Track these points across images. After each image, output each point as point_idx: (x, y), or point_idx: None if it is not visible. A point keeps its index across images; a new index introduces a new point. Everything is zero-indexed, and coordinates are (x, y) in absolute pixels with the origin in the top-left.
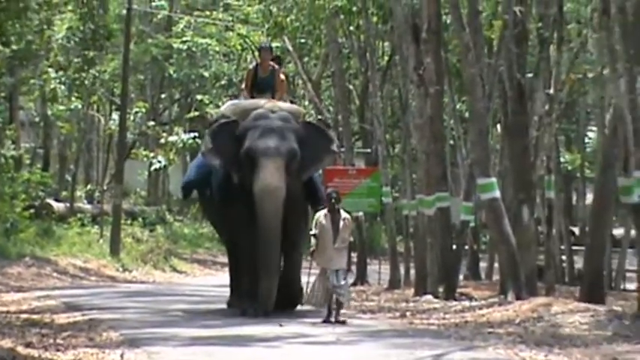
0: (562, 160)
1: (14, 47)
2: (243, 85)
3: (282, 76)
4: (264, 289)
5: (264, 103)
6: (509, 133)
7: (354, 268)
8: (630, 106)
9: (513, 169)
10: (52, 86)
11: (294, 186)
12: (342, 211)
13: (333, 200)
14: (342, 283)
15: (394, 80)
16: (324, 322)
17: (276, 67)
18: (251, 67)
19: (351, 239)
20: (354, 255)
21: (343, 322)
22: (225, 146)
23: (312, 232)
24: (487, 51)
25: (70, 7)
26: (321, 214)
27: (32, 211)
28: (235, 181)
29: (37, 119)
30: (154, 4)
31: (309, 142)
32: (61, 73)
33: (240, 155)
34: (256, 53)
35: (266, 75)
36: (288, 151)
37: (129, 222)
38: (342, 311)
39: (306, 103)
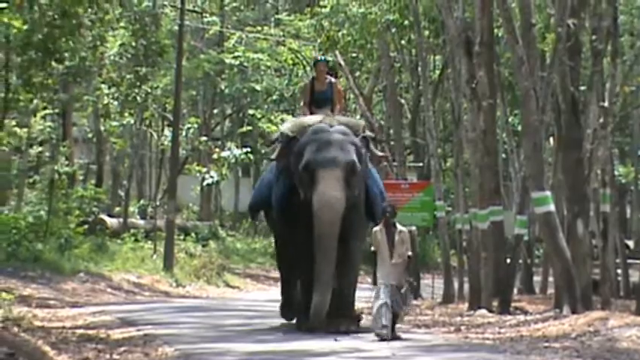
0: (616, 173)
1: (68, 64)
2: (301, 102)
3: (340, 88)
4: (316, 303)
5: (322, 117)
6: (562, 146)
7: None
8: None
9: (567, 183)
10: (104, 102)
11: (354, 199)
12: (397, 225)
13: (387, 214)
14: (399, 298)
15: (446, 94)
16: (381, 339)
17: (333, 80)
18: (307, 81)
19: (410, 253)
20: None
21: (398, 338)
22: (288, 164)
23: (372, 249)
24: (540, 64)
25: (122, 24)
26: (377, 229)
27: (86, 226)
28: (302, 197)
29: (90, 135)
30: (205, 19)
31: (366, 156)
32: (113, 89)
33: (300, 170)
34: (307, 67)
35: (324, 88)
36: (346, 162)
37: (182, 237)
38: (397, 326)
39: (358, 117)
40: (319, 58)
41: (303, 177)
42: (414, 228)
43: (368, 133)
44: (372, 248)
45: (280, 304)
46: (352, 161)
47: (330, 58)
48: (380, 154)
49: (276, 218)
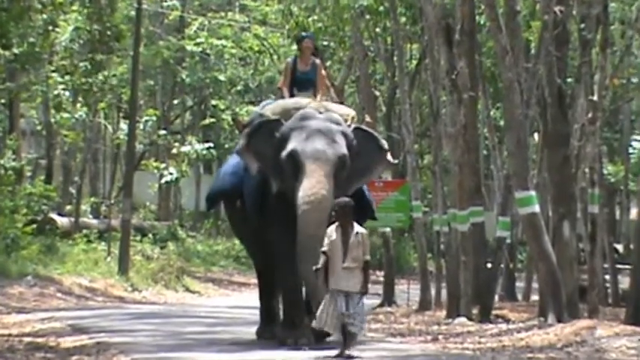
0: (605, 171)
1: (16, 50)
2: (280, 82)
3: (324, 72)
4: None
5: (308, 101)
6: (548, 142)
7: (378, 289)
8: None
9: (553, 182)
10: (55, 92)
11: (340, 197)
12: (355, 225)
13: (344, 211)
14: (353, 310)
15: (424, 86)
16: (338, 356)
17: (318, 61)
18: (289, 60)
19: (368, 258)
20: (379, 274)
21: (352, 358)
22: (264, 148)
23: (322, 249)
24: (525, 54)
25: (75, 7)
26: (332, 228)
27: (34, 226)
28: (275, 189)
29: (39, 128)
30: (165, 4)
31: (359, 150)
32: (66, 77)
33: (282, 159)
34: (274, 56)
35: (307, 69)
36: (337, 157)
37: (138, 238)
38: (358, 342)
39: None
40: (304, 34)
41: (285, 166)
42: (388, 229)
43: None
44: (323, 249)
45: (260, 319)
46: (343, 155)
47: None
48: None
49: (249, 212)
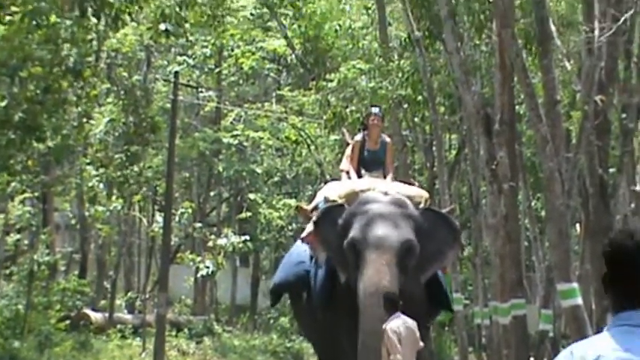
0: None
1: (50, 143)
2: (345, 162)
3: (393, 150)
4: None
5: (375, 182)
6: (590, 233)
7: None
8: None
9: (596, 274)
10: (90, 185)
11: (412, 287)
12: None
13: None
14: None
15: (463, 176)
16: None
17: (387, 139)
18: (358, 138)
19: (421, 344)
20: None
21: None
22: (330, 236)
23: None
24: (566, 144)
25: (110, 99)
26: (398, 323)
27: (68, 322)
28: (342, 280)
29: (73, 221)
30: (201, 95)
31: (430, 234)
32: (100, 170)
33: (344, 248)
34: (312, 146)
35: (376, 148)
36: (401, 242)
37: (173, 333)
38: None
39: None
40: (372, 109)
41: (347, 256)
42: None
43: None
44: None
45: None
46: (408, 241)
47: (333, 138)
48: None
49: (316, 305)
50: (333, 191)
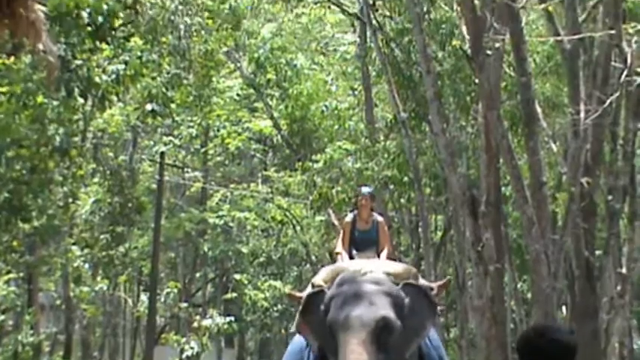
0: (635, 346)
1: (35, 223)
2: (338, 245)
3: (387, 230)
4: None
5: (359, 263)
6: (577, 315)
7: None
8: None
9: (583, 356)
10: (75, 265)
11: None
12: None
13: None
14: None
15: (449, 257)
16: None
17: (380, 218)
18: (348, 219)
19: None
20: None
21: None
22: (316, 324)
23: None
24: (552, 226)
25: (96, 179)
26: None
27: None
28: None
29: (58, 302)
30: (187, 175)
31: (411, 308)
32: (86, 250)
33: (326, 332)
34: (297, 227)
35: (367, 227)
36: (375, 320)
37: None
38: None
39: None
40: (362, 189)
41: (328, 341)
42: None
43: (425, 283)
44: None
45: None
46: (383, 318)
47: (318, 219)
48: (440, 307)
49: None
50: (318, 276)
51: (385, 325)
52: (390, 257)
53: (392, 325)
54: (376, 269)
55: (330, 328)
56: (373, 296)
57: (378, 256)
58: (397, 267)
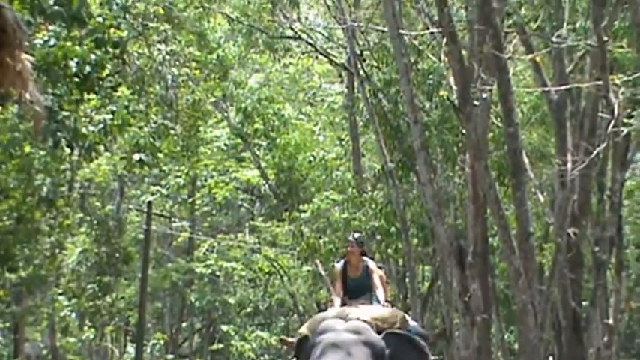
0: None
1: (22, 273)
2: (333, 294)
3: (380, 272)
4: None
5: (345, 309)
6: None
7: None
8: None
9: None
10: (62, 315)
11: None
12: None
13: None
14: None
15: (436, 308)
16: None
17: (370, 263)
18: (338, 266)
19: None
20: None
21: None
22: None
23: None
24: (539, 276)
25: (83, 229)
26: None
27: None
28: None
29: (44, 352)
30: (174, 225)
31: (393, 358)
32: (72, 300)
33: None
34: (285, 277)
35: (358, 274)
36: None
37: None
38: None
39: None
40: (350, 237)
41: None
42: None
43: (419, 328)
44: None
45: None
46: None
47: (305, 269)
48: (432, 358)
49: None
50: (306, 324)
51: None
52: (386, 300)
53: None
54: (361, 315)
55: None
56: (351, 346)
57: (371, 303)
58: (384, 312)
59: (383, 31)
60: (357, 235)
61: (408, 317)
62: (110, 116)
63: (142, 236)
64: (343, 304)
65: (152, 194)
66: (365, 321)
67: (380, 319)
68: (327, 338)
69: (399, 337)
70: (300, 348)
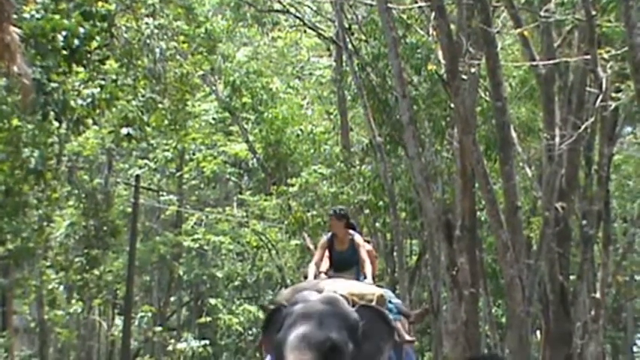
0: None
1: (9, 246)
2: (310, 267)
3: (369, 247)
4: None
5: (322, 282)
6: (550, 340)
7: None
8: None
9: None
10: (49, 288)
11: None
12: None
13: None
14: None
15: (424, 282)
16: None
17: (356, 237)
18: (325, 238)
19: None
20: None
21: None
22: (272, 341)
23: None
24: (526, 250)
25: (71, 203)
26: None
27: None
28: None
29: (32, 325)
30: (162, 198)
31: (367, 331)
32: (60, 273)
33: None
34: (272, 250)
35: (344, 248)
36: (321, 342)
37: None
38: None
39: None
40: (331, 211)
41: None
42: None
43: (403, 308)
44: None
45: None
46: (328, 339)
47: (293, 242)
48: (408, 338)
49: None
50: (282, 293)
51: (333, 347)
52: (373, 276)
53: (340, 348)
54: (337, 288)
55: (277, 346)
56: (323, 317)
57: (357, 278)
58: (361, 287)
59: (371, 5)
60: (337, 209)
61: (388, 295)
62: (98, 90)
63: (129, 210)
64: (328, 277)
65: (140, 168)
66: (341, 295)
67: (357, 295)
68: (300, 309)
69: (373, 311)
70: (273, 318)
